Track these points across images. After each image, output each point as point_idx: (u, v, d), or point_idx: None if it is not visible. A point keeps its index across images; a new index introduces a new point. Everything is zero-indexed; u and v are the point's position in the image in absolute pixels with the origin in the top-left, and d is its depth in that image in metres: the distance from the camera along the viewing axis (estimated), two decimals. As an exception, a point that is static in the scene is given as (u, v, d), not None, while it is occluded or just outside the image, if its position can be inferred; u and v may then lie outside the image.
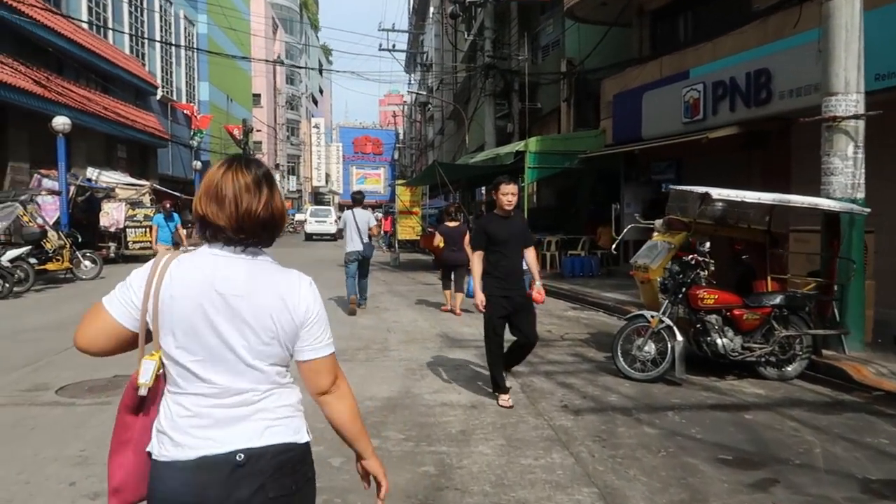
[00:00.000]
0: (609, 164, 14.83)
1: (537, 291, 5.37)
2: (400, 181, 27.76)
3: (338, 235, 11.64)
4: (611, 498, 3.51)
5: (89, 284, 13.45)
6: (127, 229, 19.15)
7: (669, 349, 5.91)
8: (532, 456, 4.10)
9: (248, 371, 1.55)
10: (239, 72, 47.88)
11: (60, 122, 16.17)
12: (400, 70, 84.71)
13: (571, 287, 12.62)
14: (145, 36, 29.42)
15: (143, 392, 1.57)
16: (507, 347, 5.39)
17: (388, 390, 5.56)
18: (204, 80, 39.00)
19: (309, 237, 36.36)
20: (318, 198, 79.95)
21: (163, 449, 1.51)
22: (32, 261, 12.28)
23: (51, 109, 17.76)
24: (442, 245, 10.37)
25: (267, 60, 38.05)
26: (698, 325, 6.11)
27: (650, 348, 6.02)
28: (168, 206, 12.93)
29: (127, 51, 27.19)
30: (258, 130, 48.30)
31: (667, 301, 6.12)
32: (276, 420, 1.56)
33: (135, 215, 19.15)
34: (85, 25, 23.20)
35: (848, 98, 6.54)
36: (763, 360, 6.10)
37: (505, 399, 5.18)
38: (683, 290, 6.07)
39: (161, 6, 31.65)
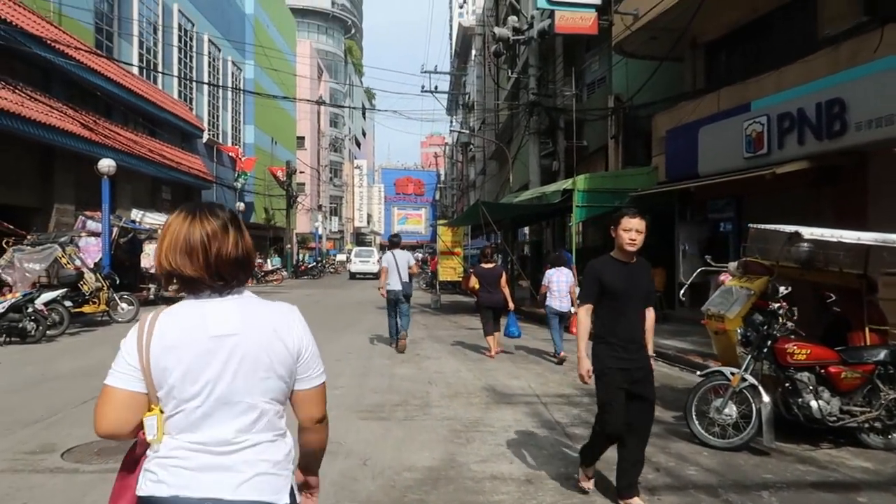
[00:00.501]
0: (662, 202, 14.06)
1: None
2: (441, 221, 27.34)
3: (379, 275, 11.35)
4: None
5: (125, 327, 13.13)
6: (167, 271, 19.00)
7: (754, 412, 5.09)
8: (605, 553, 3.35)
9: (245, 412, 1.54)
10: (284, 115, 48.77)
11: (105, 164, 16.23)
12: (441, 109, 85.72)
13: (625, 333, 11.75)
14: (194, 80, 30.05)
15: (156, 448, 1.55)
16: (618, 460, 4.04)
17: (429, 458, 4.86)
18: (249, 123, 39.72)
19: (353, 276, 38.10)
20: (359, 238, 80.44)
21: (144, 484, 1.53)
22: (68, 303, 12.06)
23: (97, 152, 17.92)
24: (477, 287, 10.14)
25: (309, 100, 38.55)
26: (787, 385, 5.28)
27: (731, 410, 5.20)
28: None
29: (175, 95, 27.73)
30: (301, 172, 48.84)
31: (749, 356, 5.32)
32: (255, 475, 1.53)
33: (175, 256, 19.01)
34: (135, 70, 23.72)
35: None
36: (866, 425, 5.22)
37: (587, 481, 4.22)
38: (769, 343, 5.27)
39: (209, 52, 32.43)
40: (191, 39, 30.07)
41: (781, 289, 5.53)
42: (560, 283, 9.65)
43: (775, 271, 5.85)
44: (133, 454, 1.61)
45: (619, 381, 3.85)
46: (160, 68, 26.43)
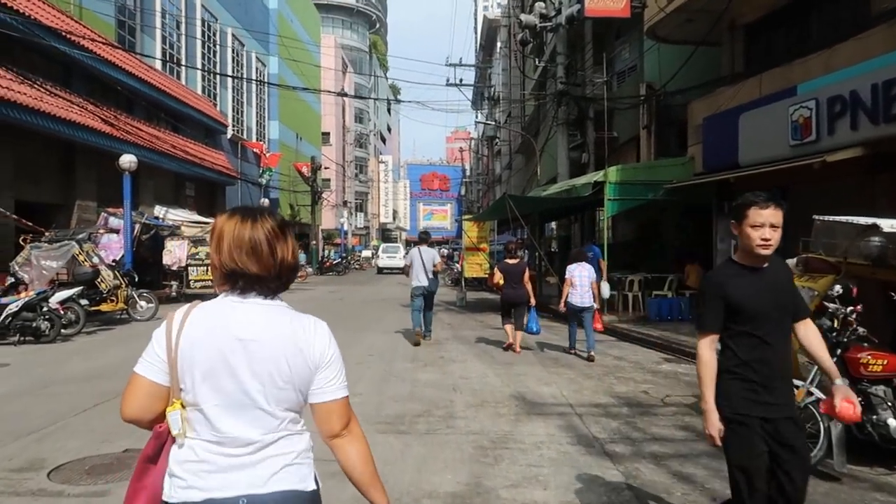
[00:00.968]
0: (698, 194, 13.33)
1: (845, 400, 2.77)
2: (466, 216, 26.78)
3: (405, 271, 11.06)
4: None
5: (144, 326, 12.86)
6: (189, 267, 18.78)
7: (822, 431, 4.47)
8: None
9: (262, 416, 1.55)
10: (309, 111, 48.57)
11: (127, 160, 15.97)
12: (466, 101, 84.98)
13: (661, 333, 11.12)
14: (217, 73, 29.87)
15: (182, 442, 1.56)
16: None
17: (451, 482, 4.32)
18: (274, 119, 39.53)
19: (380, 270, 39.84)
20: (385, 234, 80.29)
21: (173, 491, 1.53)
22: (84, 302, 11.76)
23: (119, 147, 17.70)
24: (502, 282, 10.00)
25: (332, 91, 38.17)
26: (860, 400, 4.63)
27: (795, 429, 4.57)
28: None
29: (199, 91, 27.55)
30: (326, 168, 48.65)
31: (815, 367, 4.69)
32: (281, 467, 1.56)
33: (197, 253, 18.75)
34: (158, 65, 23.53)
35: None
36: (952, 447, 4.56)
37: None
38: (838, 352, 4.64)
39: (233, 46, 32.24)
40: (214, 34, 29.88)
41: (837, 288, 4.91)
42: (582, 278, 9.57)
43: (842, 269, 5.20)
44: (154, 447, 1.60)
45: (762, 434, 2.70)
46: (183, 62, 26.24)
